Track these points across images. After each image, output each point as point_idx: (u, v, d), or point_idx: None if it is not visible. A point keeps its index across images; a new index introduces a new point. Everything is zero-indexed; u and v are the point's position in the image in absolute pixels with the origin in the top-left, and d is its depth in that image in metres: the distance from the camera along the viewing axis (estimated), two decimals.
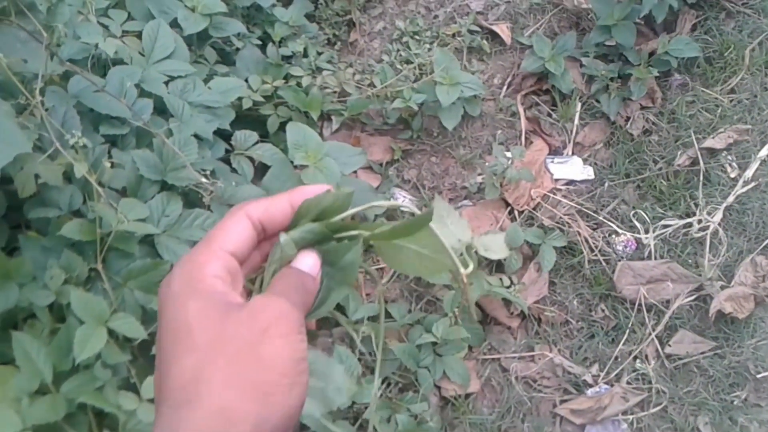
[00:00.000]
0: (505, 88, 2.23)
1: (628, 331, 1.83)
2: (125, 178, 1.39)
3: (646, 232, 1.93)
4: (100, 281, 1.26)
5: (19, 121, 1.18)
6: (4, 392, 1.14)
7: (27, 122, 1.22)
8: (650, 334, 1.82)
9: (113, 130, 1.45)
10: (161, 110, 1.56)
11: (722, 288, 1.82)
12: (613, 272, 1.87)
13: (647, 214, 1.96)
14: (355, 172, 1.98)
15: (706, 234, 1.90)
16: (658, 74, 2.13)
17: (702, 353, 1.79)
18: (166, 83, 1.61)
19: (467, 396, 1.75)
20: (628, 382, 1.77)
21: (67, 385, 1.16)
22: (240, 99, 1.80)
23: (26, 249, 1.28)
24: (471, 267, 0.50)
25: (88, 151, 1.33)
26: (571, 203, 2.01)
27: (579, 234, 1.94)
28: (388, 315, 1.78)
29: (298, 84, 1.96)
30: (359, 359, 1.60)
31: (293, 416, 0.42)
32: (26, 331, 1.22)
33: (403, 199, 2.01)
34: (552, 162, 2.09)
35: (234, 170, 1.66)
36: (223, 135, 1.69)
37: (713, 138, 2.03)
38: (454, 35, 2.30)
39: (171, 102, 1.55)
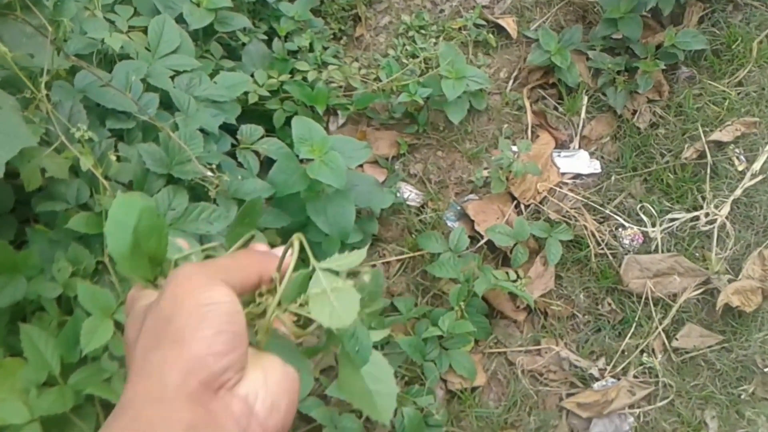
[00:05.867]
0: (511, 81, 2.23)
1: (634, 324, 1.83)
2: (131, 171, 1.39)
3: (653, 225, 1.92)
4: (107, 274, 1.26)
5: (25, 116, 1.18)
6: (13, 384, 1.15)
7: (33, 116, 1.23)
8: (657, 327, 1.81)
9: (119, 124, 1.46)
10: (167, 105, 1.57)
11: (730, 281, 1.81)
12: (620, 266, 1.87)
13: (654, 208, 1.95)
14: (361, 166, 1.99)
15: (714, 227, 1.89)
16: (665, 67, 2.12)
17: (709, 347, 1.79)
18: (172, 78, 1.61)
19: (473, 389, 1.76)
20: (634, 376, 1.77)
21: (75, 377, 1.17)
22: (246, 93, 1.80)
23: (34, 242, 1.29)
24: None
25: (95, 145, 1.33)
26: (577, 197, 2.01)
27: (585, 228, 1.93)
28: (393, 308, 1.79)
29: (304, 78, 1.96)
30: None
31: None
32: (34, 323, 1.23)
33: (408, 194, 2.01)
34: (558, 156, 2.09)
35: (240, 164, 1.66)
36: (229, 129, 1.69)
37: (721, 131, 2.02)
38: (459, 29, 2.29)
39: (177, 96, 1.56)
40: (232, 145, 1.69)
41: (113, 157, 1.30)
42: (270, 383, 0.47)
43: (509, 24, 2.29)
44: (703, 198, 1.96)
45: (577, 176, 2.07)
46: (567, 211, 1.97)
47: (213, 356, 0.43)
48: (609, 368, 1.79)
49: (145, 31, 1.68)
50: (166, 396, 0.42)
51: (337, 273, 0.49)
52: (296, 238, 0.51)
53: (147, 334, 0.46)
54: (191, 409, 0.42)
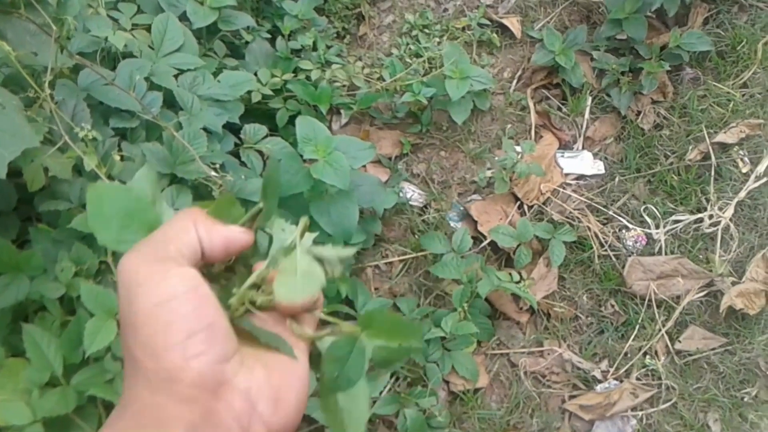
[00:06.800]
0: (515, 81, 2.22)
1: (637, 326, 1.82)
2: (135, 171, 1.38)
3: (657, 227, 1.92)
4: (110, 274, 1.26)
5: (28, 115, 1.18)
6: (15, 384, 1.14)
7: (36, 115, 1.22)
8: (660, 329, 1.81)
9: (123, 123, 1.45)
10: (171, 103, 1.56)
11: (733, 284, 1.81)
12: (623, 267, 1.86)
13: (658, 209, 1.94)
14: (364, 166, 1.98)
15: (717, 229, 1.89)
16: (669, 68, 2.11)
17: (712, 349, 1.78)
18: (176, 76, 1.60)
19: (476, 391, 1.75)
20: (637, 378, 1.77)
21: (77, 378, 1.17)
22: (249, 92, 1.79)
23: (37, 241, 1.29)
24: None
25: (98, 144, 1.33)
26: (581, 198, 2.00)
27: (589, 229, 1.93)
28: (396, 309, 1.78)
29: (308, 77, 1.96)
30: None
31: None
32: (37, 323, 1.22)
33: (411, 194, 2.00)
34: (562, 156, 2.08)
35: (243, 164, 1.66)
36: (233, 128, 1.68)
37: (725, 132, 2.01)
38: (463, 29, 2.28)
39: (180, 95, 1.55)
40: (236, 145, 1.68)
41: (117, 157, 1.29)
42: (273, 378, 0.45)
43: (513, 24, 2.29)
44: (707, 200, 1.95)
45: (581, 177, 2.06)
46: (570, 212, 1.97)
47: (192, 359, 0.41)
48: (612, 370, 1.78)
49: (148, 29, 1.67)
50: (161, 397, 0.41)
51: (320, 261, 0.49)
52: (304, 222, 0.51)
53: (125, 338, 0.43)
54: (189, 409, 0.40)
